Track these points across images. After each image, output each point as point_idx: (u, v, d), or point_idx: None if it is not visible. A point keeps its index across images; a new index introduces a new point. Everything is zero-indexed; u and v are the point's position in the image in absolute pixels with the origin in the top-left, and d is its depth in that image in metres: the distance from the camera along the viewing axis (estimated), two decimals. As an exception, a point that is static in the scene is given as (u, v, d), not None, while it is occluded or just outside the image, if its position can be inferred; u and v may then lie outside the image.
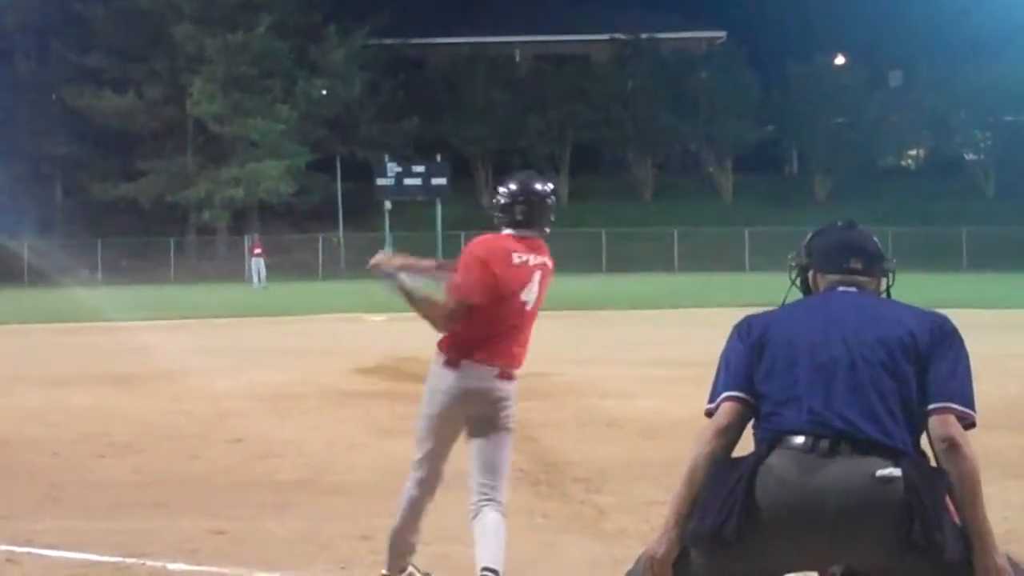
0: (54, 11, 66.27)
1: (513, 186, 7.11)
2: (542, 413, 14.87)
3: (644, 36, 75.88)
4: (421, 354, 21.09)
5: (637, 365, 20.52)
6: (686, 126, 74.03)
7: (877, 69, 77.78)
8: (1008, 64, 67.47)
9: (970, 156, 76.02)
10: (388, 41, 72.34)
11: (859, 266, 5.01)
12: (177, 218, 67.96)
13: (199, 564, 7.99)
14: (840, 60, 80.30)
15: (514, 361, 6.99)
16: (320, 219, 69.14)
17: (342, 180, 70.22)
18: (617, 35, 76.21)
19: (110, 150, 68.13)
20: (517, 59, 79.35)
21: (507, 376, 6.94)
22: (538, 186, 7.15)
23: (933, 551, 4.23)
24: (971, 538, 4.32)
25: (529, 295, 6.94)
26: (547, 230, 7.18)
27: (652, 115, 74.10)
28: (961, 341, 4.67)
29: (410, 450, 7.22)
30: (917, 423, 4.49)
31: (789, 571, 4.59)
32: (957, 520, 4.35)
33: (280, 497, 10.17)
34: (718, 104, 73.27)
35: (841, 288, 4.97)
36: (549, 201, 7.17)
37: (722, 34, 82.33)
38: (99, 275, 59.60)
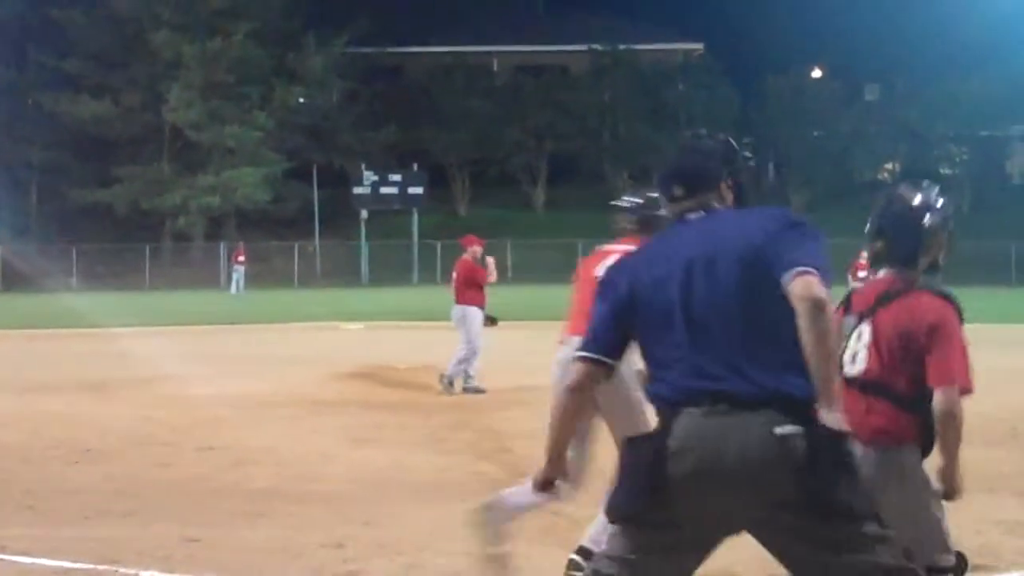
0: (31, 16, 66.02)
1: None
2: (517, 423, 14.87)
3: (622, 47, 75.94)
4: (397, 362, 21.11)
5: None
6: (663, 138, 74.02)
7: (854, 83, 78.00)
8: (984, 79, 67.74)
9: (946, 170, 76.28)
10: (366, 50, 72.21)
11: (680, 192, 4.81)
12: (153, 224, 67.74)
13: (172, 571, 7.97)
14: (817, 73, 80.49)
15: None
16: (297, 227, 68.99)
17: (319, 188, 70.08)
18: (595, 46, 76.26)
19: (87, 156, 67.85)
20: (495, 68, 79.32)
21: None
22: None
23: (835, 512, 4.21)
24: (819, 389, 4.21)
25: None
26: None
27: (629, 126, 74.14)
28: (808, 226, 4.53)
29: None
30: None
31: (709, 541, 4.54)
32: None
33: (254, 505, 10.16)
34: (695, 116, 73.27)
35: (690, 217, 4.77)
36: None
37: (700, 46, 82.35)
38: (74, 281, 59.36)
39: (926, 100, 70.75)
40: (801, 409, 4.21)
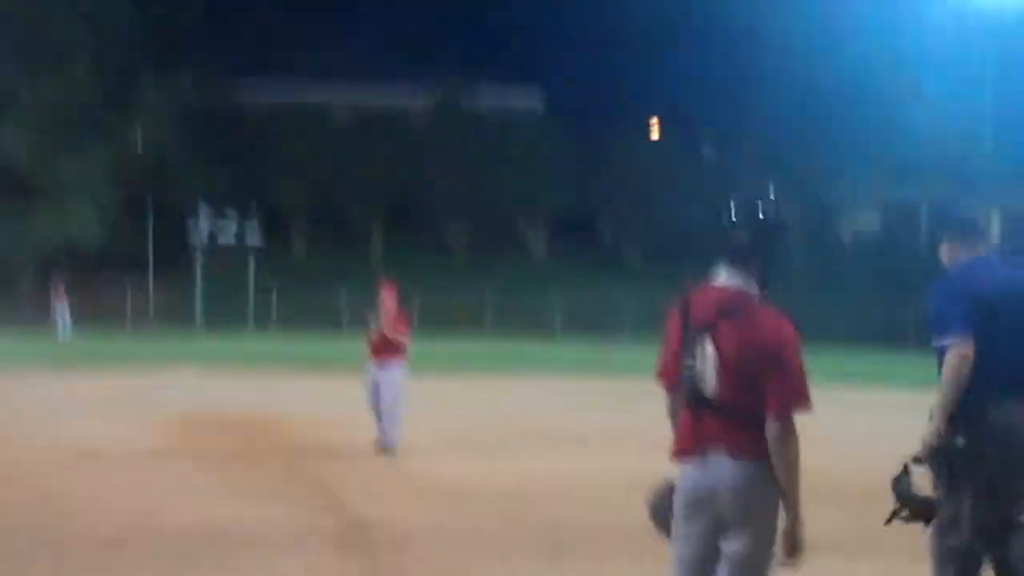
0: None
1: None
2: (351, 474, 14.84)
3: (462, 98, 76.27)
4: (230, 409, 20.87)
5: (445, 428, 20.53)
6: (501, 188, 74.37)
7: (692, 139, 79.12)
8: (827, 145, 68.68)
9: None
10: (205, 90, 71.49)
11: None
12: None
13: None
14: (655, 127, 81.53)
15: None
16: (130, 266, 67.80)
17: (155, 227, 69.13)
18: (435, 92, 76.48)
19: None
20: (333, 115, 78.99)
21: None
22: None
23: None
24: None
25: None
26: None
27: (467, 176, 74.33)
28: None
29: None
30: None
31: None
32: None
33: (84, 556, 10.01)
34: (534, 169, 73.81)
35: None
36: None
37: (540, 99, 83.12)
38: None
39: (762, 160, 71.90)
40: None
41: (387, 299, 17.91)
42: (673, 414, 5.63)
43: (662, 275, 54.34)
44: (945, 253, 7.36)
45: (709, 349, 5.42)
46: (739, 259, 5.57)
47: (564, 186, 74.41)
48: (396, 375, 17.64)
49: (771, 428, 5.38)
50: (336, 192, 73.18)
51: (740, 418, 5.40)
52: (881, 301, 57.00)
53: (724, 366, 5.40)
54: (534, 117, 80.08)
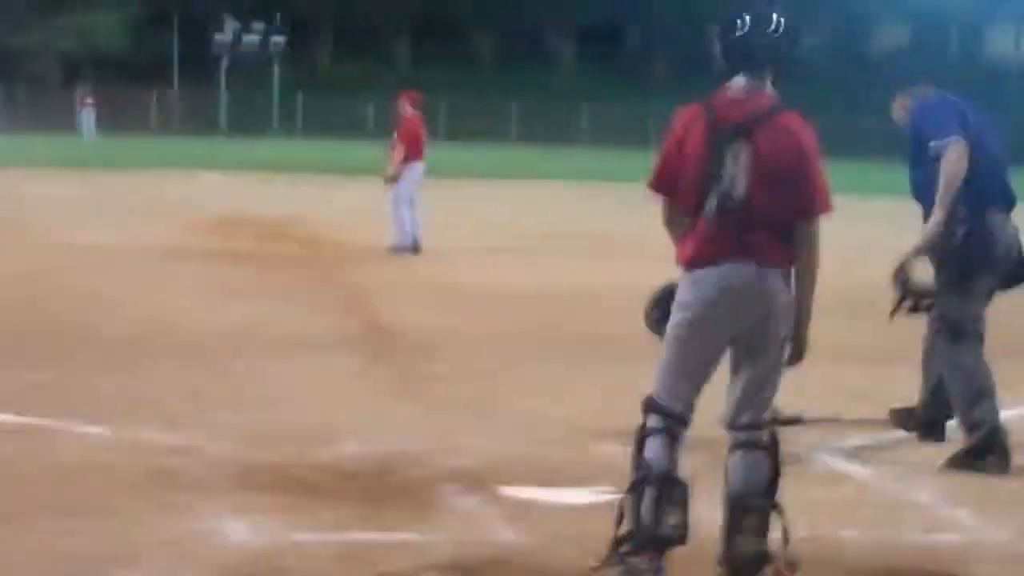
0: None
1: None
2: (375, 279, 14.89)
3: None
4: (257, 213, 20.89)
5: (470, 234, 20.54)
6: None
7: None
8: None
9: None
10: None
11: None
12: (7, 67, 65.79)
13: (22, 416, 7.87)
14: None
15: None
16: (155, 75, 67.49)
17: (180, 38, 68.65)
18: None
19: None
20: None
21: None
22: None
23: None
24: None
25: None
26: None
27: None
28: None
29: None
30: None
31: None
32: None
33: (108, 354, 10.04)
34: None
35: None
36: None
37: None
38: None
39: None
40: None
41: (405, 109, 18.88)
42: (671, 222, 5.56)
43: (690, 88, 53.76)
44: (898, 109, 8.02)
45: (743, 154, 5.35)
46: (757, 66, 5.50)
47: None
48: (402, 182, 18.26)
49: (799, 230, 5.39)
50: (361, 1, 72.20)
51: (766, 225, 5.34)
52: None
53: (758, 171, 5.32)
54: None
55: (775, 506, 5.32)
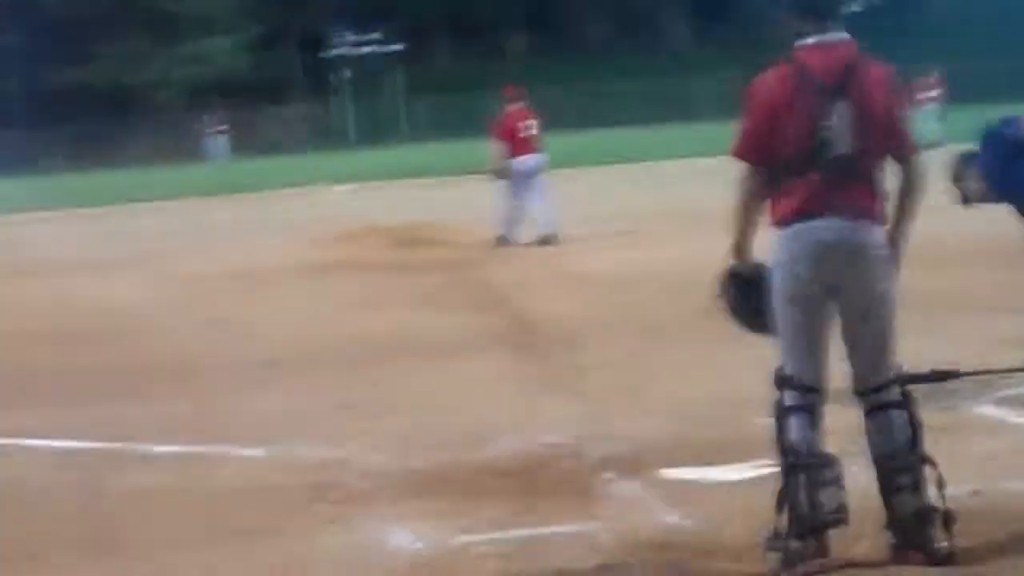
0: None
1: None
2: (510, 275, 14.95)
3: None
4: (390, 222, 21.06)
5: (597, 218, 20.51)
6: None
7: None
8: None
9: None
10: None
11: None
12: (130, 99, 66.89)
13: (183, 444, 8.01)
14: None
15: None
16: (278, 93, 68.27)
17: (298, 52, 69.36)
18: None
19: (58, 36, 66.72)
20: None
21: None
22: None
23: None
24: None
25: None
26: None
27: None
28: None
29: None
30: None
31: None
32: None
33: (261, 374, 10.20)
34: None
35: None
36: None
37: None
38: (62, 161, 58.75)
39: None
40: None
41: (509, 107, 19.37)
42: (752, 192, 5.44)
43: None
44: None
45: (846, 109, 5.32)
46: (837, 17, 5.51)
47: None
48: (514, 177, 18.66)
49: (906, 169, 5.45)
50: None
51: (867, 178, 5.36)
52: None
53: (862, 123, 5.31)
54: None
55: (925, 459, 5.26)
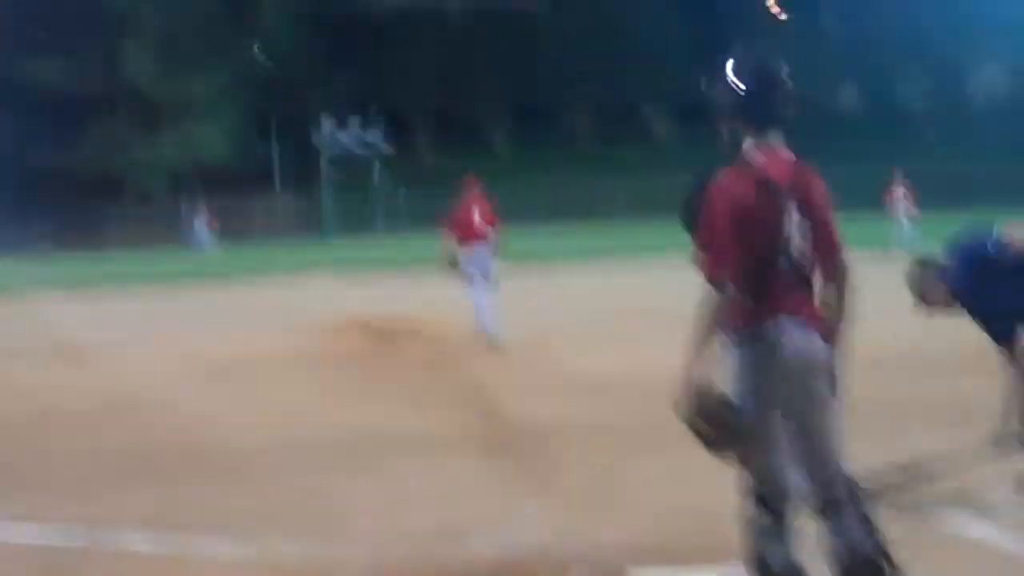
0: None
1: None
2: (487, 372, 14.95)
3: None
4: (367, 314, 21.08)
5: (581, 319, 20.57)
6: (625, 75, 73.47)
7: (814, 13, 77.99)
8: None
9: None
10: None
11: None
12: (115, 185, 67.00)
13: (155, 538, 8.00)
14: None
15: None
16: (258, 181, 68.46)
17: (279, 141, 69.63)
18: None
19: (44, 120, 66.88)
20: (449, 14, 78.26)
21: None
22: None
23: None
24: None
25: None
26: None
27: (590, 64, 73.42)
28: None
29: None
30: None
31: None
32: None
33: (236, 463, 10.21)
34: (654, 50, 72.87)
35: None
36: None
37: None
38: (48, 245, 58.73)
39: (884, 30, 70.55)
40: None
41: (468, 198, 19.01)
42: (722, 311, 5.33)
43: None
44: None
45: (796, 210, 5.40)
46: (780, 122, 5.58)
47: (688, 69, 73.21)
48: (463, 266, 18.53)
49: (840, 264, 5.49)
50: (458, 91, 72.76)
51: (812, 284, 5.47)
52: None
53: (810, 223, 5.42)
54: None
55: (890, 562, 5.29)
